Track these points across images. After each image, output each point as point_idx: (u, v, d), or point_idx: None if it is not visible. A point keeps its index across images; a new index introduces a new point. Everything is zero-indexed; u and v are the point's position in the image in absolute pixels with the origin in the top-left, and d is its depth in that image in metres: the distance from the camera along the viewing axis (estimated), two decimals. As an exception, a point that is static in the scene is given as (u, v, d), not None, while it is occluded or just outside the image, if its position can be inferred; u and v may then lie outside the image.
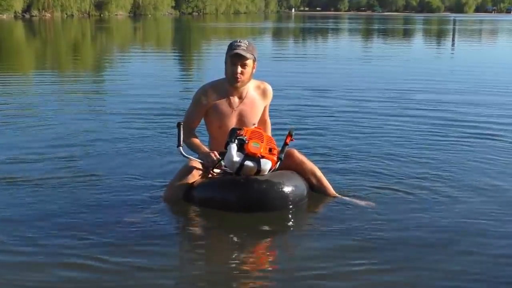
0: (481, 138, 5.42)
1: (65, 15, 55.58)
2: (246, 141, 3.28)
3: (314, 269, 2.72)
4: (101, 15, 60.16)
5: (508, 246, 3.02)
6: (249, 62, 3.42)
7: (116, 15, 61.95)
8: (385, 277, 2.68)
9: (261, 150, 3.29)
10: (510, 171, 4.41)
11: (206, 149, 3.51)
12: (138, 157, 4.65)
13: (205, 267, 2.88)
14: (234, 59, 3.40)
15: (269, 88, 3.65)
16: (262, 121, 3.73)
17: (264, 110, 3.70)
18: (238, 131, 3.34)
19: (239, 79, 3.43)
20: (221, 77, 3.57)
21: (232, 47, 3.42)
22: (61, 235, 3.08)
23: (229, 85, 3.50)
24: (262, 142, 3.32)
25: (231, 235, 3.20)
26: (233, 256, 2.97)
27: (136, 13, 67.49)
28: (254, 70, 3.50)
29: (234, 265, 2.88)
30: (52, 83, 9.72)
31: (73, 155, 4.64)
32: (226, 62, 3.47)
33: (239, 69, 3.41)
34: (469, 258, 2.88)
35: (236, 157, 3.26)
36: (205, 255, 3.03)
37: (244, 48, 3.40)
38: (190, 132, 3.57)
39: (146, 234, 3.11)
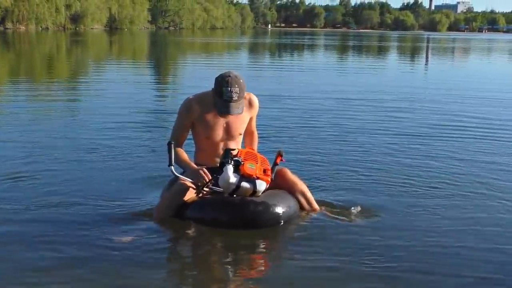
0: (468, 148, 5.62)
1: (40, 28, 55.00)
2: (242, 162, 3.24)
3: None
4: (77, 28, 59.67)
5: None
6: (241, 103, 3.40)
7: (91, 28, 61.53)
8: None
9: (257, 172, 3.26)
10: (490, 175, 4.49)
11: (195, 166, 3.41)
12: (125, 174, 4.48)
13: (197, 286, 2.82)
14: (226, 110, 3.35)
15: (255, 99, 3.59)
16: (249, 132, 3.68)
17: (251, 121, 3.63)
18: (231, 152, 3.28)
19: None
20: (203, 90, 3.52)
21: (223, 94, 3.31)
22: (48, 256, 2.96)
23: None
24: (257, 163, 3.29)
25: (222, 254, 3.14)
26: (224, 275, 2.92)
27: (112, 27, 67.15)
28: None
29: (225, 283, 2.83)
30: (25, 95, 9.54)
31: (56, 174, 4.43)
32: (216, 90, 3.35)
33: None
34: (469, 273, 2.85)
35: (233, 178, 3.21)
36: (196, 274, 2.96)
37: (236, 98, 3.31)
38: (178, 147, 3.48)
39: (136, 254, 3.00)
